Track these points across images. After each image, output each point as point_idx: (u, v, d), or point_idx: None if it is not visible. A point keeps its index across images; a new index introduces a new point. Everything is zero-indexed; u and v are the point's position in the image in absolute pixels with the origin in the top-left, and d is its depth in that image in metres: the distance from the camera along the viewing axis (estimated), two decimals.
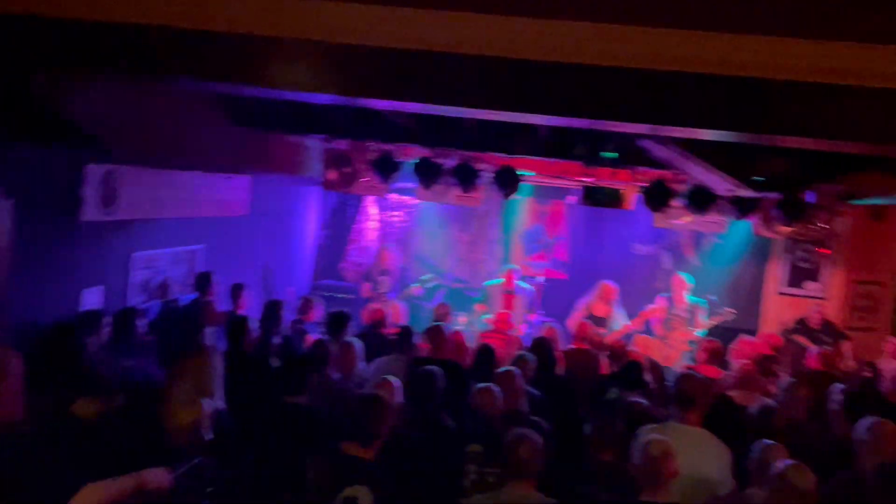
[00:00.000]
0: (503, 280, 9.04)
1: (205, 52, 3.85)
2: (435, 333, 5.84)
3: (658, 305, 8.87)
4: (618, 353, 6.47)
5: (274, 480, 3.97)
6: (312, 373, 4.59)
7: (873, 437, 4.03)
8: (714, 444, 4.16)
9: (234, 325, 5.32)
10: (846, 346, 9.03)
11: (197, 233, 7.02)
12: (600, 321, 8.76)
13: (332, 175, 8.31)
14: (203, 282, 6.56)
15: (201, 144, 6.06)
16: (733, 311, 8.74)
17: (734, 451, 4.25)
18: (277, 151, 7.92)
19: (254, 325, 5.54)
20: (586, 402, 5.86)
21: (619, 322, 8.79)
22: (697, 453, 3.96)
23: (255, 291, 6.99)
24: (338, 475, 3.58)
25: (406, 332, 6.07)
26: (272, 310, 6.37)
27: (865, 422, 4.16)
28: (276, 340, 5.92)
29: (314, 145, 8.39)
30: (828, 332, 9.21)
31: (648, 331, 8.75)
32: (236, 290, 6.71)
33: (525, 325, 8.72)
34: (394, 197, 10.47)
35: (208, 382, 3.90)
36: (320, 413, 4.35)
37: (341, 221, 10.67)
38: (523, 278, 9.20)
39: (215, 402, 3.91)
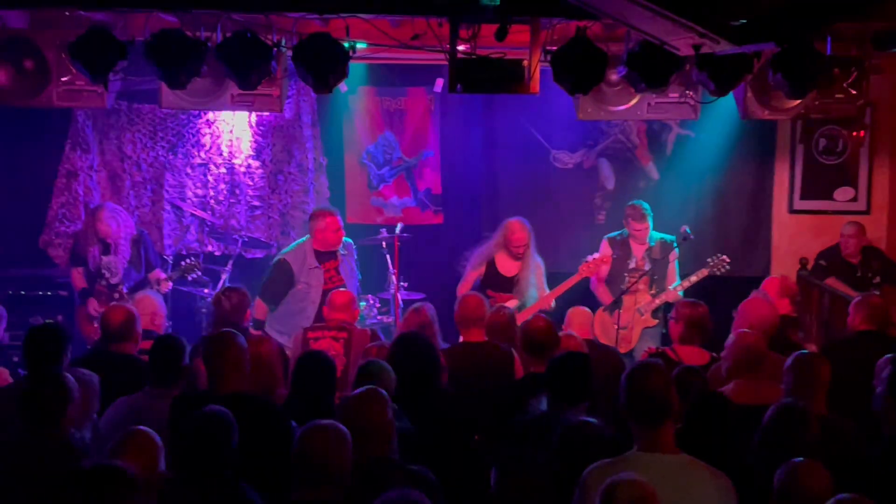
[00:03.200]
0: (314, 237, 8.89)
1: None
2: (220, 346, 5.69)
3: (602, 254, 9.06)
4: (541, 339, 6.56)
5: None
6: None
7: None
8: (707, 479, 4.28)
9: None
10: None
11: None
12: (509, 284, 8.89)
13: (3, 77, 7.93)
14: None
15: None
16: (724, 258, 9.08)
17: (738, 483, 4.42)
18: None
19: None
20: (492, 429, 5.98)
21: (537, 287, 8.93)
22: (681, 497, 4.04)
23: None
24: None
25: (165, 349, 5.94)
26: None
27: None
28: None
29: None
30: (875, 267, 9.73)
31: (590, 298, 8.96)
32: None
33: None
34: (125, 108, 10.19)
35: None
36: None
37: (33, 161, 10.25)
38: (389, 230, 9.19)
39: None
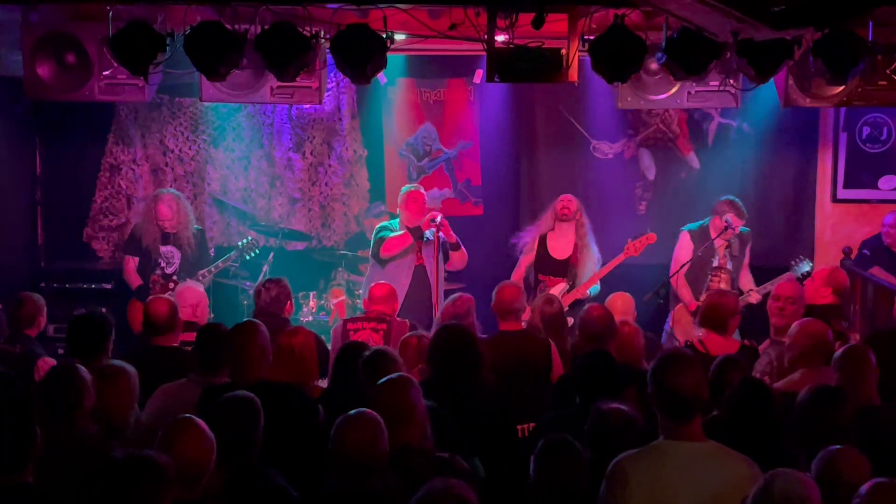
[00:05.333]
0: (402, 214, 8.93)
1: None
2: (243, 336, 5.73)
3: (647, 235, 9.05)
4: (599, 328, 6.57)
5: None
6: (46, 428, 4.40)
7: None
8: (735, 465, 4.24)
9: None
10: None
11: None
12: (561, 268, 8.97)
13: (45, 71, 7.96)
14: None
15: None
16: (805, 258, 9.08)
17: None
18: None
19: None
20: (532, 418, 5.99)
21: (591, 266, 8.95)
22: (708, 482, 4.05)
23: None
24: None
25: (210, 337, 5.97)
26: None
27: None
28: None
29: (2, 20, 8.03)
30: None
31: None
32: None
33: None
34: (167, 101, 10.35)
35: None
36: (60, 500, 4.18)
37: (76, 155, 10.36)
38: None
39: None
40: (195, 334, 6.14)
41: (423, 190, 9.03)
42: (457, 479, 3.90)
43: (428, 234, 8.81)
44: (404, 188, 9.11)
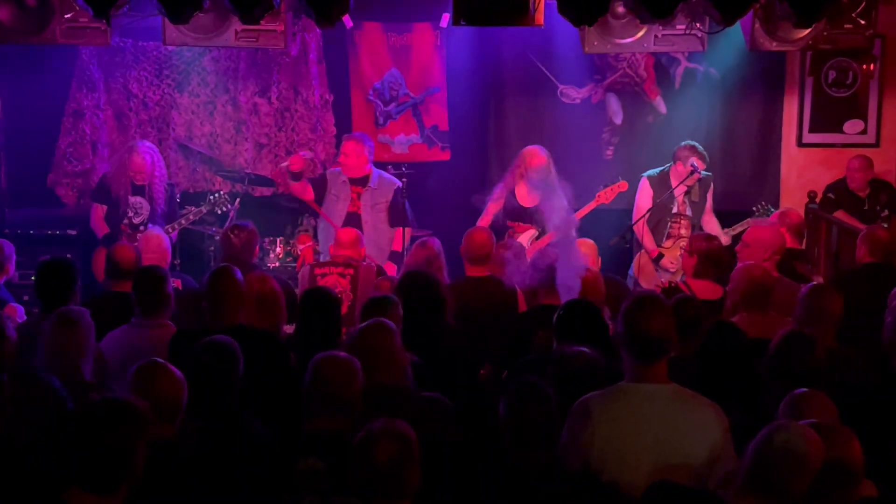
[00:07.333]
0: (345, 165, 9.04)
1: None
2: (219, 280, 5.73)
3: (619, 183, 9.06)
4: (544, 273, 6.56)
5: None
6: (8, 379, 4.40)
7: None
8: (697, 408, 4.26)
9: None
10: None
11: None
12: (529, 215, 8.94)
13: (6, 14, 7.87)
14: None
15: None
16: (768, 205, 9.12)
17: (743, 412, 4.43)
18: None
19: None
20: (498, 362, 6.01)
21: (557, 214, 8.93)
22: (670, 425, 4.10)
23: None
24: None
25: (146, 279, 6.04)
26: None
27: None
28: None
29: None
30: (883, 200, 9.70)
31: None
32: None
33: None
34: (130, 46, 10.25)
35: None
36: (22, 449, 4.20)
37: (39, 100, 10.25)
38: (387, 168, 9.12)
39: None
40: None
41: (359, 140, 9.13)
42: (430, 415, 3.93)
43: (372, 182, 8.94)
44: None
